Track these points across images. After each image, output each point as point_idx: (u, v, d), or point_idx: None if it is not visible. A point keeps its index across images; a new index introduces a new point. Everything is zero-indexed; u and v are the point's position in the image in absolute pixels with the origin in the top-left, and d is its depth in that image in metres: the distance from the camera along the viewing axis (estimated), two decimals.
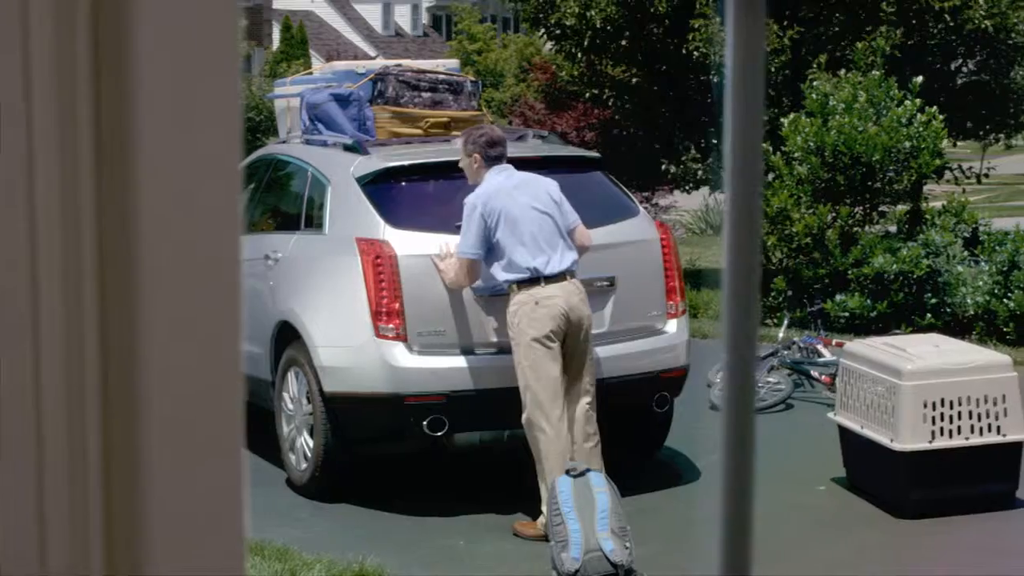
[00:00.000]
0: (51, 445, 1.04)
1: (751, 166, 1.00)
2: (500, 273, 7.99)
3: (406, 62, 10.73)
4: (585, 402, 8.03)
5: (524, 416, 7.83)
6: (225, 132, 1.02)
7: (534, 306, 7.87)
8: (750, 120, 0.99)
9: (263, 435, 9.44)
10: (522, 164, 8.38)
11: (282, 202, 10.15)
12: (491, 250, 7.99)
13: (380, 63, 11.04)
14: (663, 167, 23.42)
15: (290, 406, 8.85)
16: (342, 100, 9.77)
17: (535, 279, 7.92)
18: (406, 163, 8.84)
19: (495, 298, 8.21)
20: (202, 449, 1.05)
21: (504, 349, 8.17)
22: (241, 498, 1.07)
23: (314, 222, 9.12)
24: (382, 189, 8.68)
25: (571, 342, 8.00)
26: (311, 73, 11.78)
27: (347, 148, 9.21)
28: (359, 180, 8.71)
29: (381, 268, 8.22)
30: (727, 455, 1.05)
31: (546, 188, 8.15)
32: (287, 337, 8.88)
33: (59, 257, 1.02)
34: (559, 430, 7.80)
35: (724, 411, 1.06)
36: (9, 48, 1.00)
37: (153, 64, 1.00)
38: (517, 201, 8.01)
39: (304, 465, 8.72)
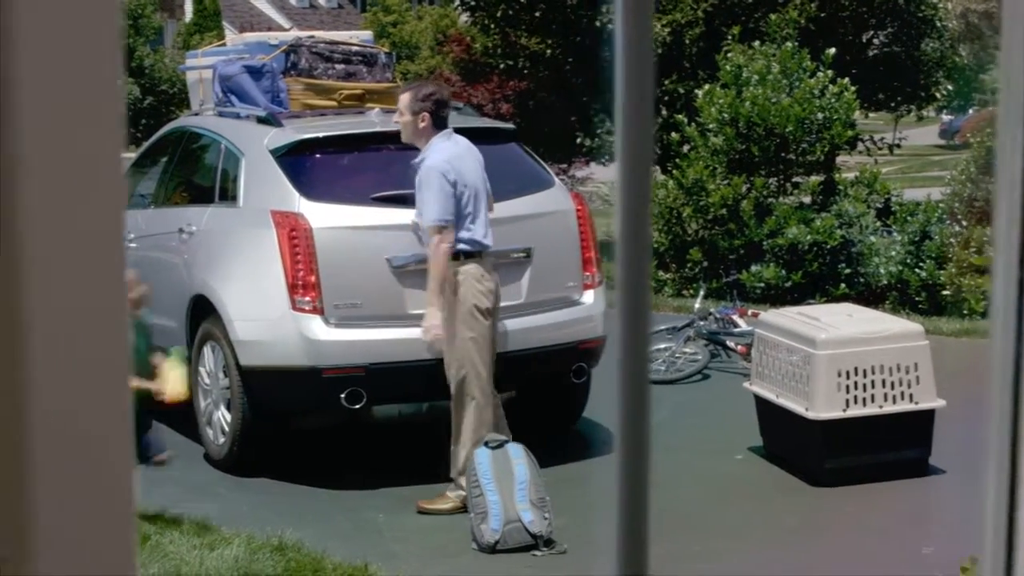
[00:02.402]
0: None
1: (641, 141, 0.99)
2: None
3: (319, 34, 10.64)
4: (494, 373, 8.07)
5: (455, 385, 7.78)
6: (106, 131, 0.99)
7: (480, 277, 7.82)
8: (640, 94, 0.98)
9: (180, 410, 9.38)
10: None
11: (196, 175, 10.05)
12: None
13: (293, 35, 10.93)
14: (579, 139, 23.46)
15: (207, 380, 8.78)
16: (255, 72, 9.68)
17: (480, 252, 7.86)
18: (320, 135, 8.77)
19: (413, 270, 8.18)
20: (89, 445, 1.03)
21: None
22: (131, 488, 1.05)
23: (228, 195, 9.04)
24: (297, 161, 8.61)
25: (495, 317, 8.00)
26: (223, 45, 11.65)
27: (261, 120, 9.14)
28: (273, 152, 8.64)
29: (296, 241, 8.16)
30: (621, 442, 1.04)
31: (479, 159, 8.05)
32: (203, 311, 8.80)
33: None
34: (489, 400, 7.79)
35: (617, 391, 1.05)
36: None
37: (31, 52, 0.98)
38: (472, 169, 7.89)
39: (222, 439, 8.67)
